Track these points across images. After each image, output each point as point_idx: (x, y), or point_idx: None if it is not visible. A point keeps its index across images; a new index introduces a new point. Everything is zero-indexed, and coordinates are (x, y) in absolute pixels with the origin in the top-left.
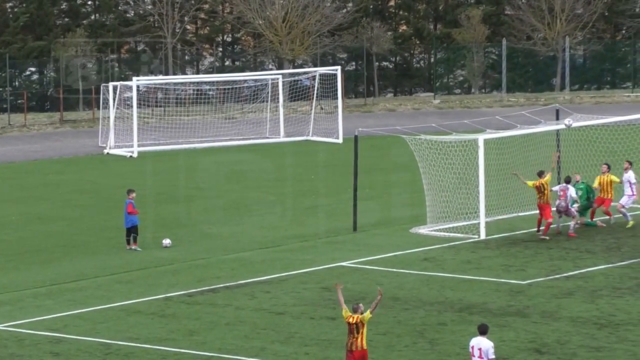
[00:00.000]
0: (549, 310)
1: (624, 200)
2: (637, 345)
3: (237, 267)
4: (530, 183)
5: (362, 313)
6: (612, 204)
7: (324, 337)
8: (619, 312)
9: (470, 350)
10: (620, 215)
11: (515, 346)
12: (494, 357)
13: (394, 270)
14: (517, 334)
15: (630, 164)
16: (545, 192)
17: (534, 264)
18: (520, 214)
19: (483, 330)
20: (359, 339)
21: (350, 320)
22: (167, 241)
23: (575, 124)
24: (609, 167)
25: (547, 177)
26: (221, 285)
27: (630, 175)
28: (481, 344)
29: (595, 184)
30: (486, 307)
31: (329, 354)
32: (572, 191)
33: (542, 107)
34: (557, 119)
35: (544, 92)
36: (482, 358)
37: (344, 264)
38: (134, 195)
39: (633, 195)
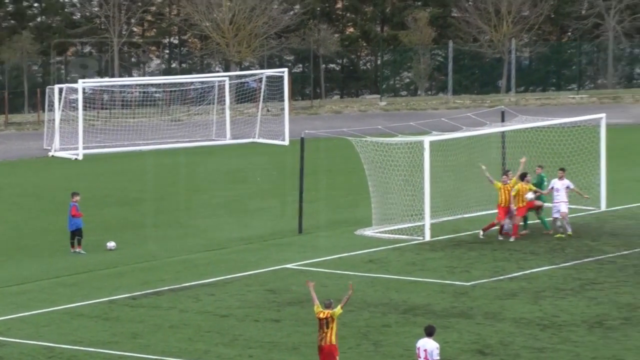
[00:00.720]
0: (493, 312)
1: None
2: (579, 346)
3: (181, 269)
4: (498, 184)
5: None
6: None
7: (267, 339)
8: (562, 313)
9: (417, 351)
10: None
11: (458, 347)
12: (438, 358)
13: (339, 272)
14: (461, 335)
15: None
16: (507, 194)
17: (478, 265)
18: (465, 215)
19: (430, 332)
20: (329, 334)
21: (321, 315)
22: (111, 244)
23: (520, 126)
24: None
25: (512, 181)
26: (165, 288)
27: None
28: (427, 345)
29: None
30: (430, 309)
31: (273, 356)
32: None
33: (487, 109)
34: (503, 120)
35: (489, 94)
36: (427, 359)
37: (289, 266)
38: (78, 198)
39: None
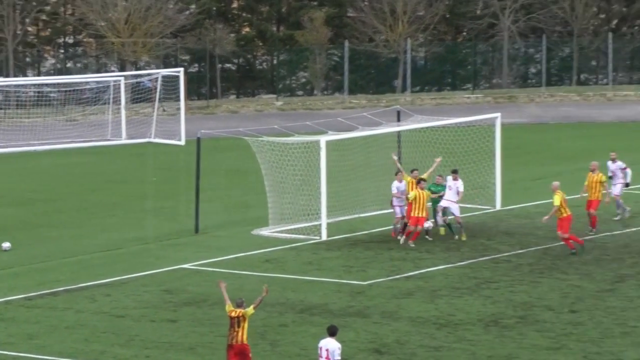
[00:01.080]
0: (389, 311)
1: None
2: (475, 344)
3: (77, 270)
4: (407, 177)
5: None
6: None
7: (164, 339)
8: (458, 311)
9: (319, 351)
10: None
11: (355, 346)
12: (339, 358)
13: (236, 272)
14: (358, 334)
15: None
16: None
17: (375, 264)
18: (361, 215)
19: (332, 332)
20: (240, 333)
21: (233, 314)
22: (6, 244)
23: (416, 126)
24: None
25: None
26: (61, 289)
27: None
28: (328, 345)
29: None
30: (327, 308)
31: (169, 356)
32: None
33: (383, 109)
34: (399, 120)
35: (385, 93)
36: (329, 359)
37: (185, 266)
38: None
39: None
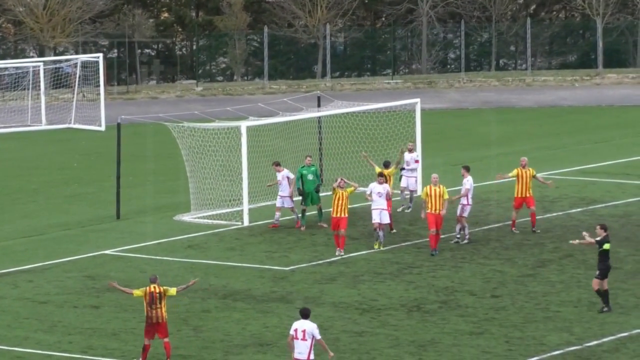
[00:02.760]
0: (312, 296)
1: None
2: (398, 329)
3: None
4: (378, 169)
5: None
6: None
7: (87, 325)
8: (380, 297)
9: (293, 333)
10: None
11: (279, 332)
12: (320, 337)
13: (158, 257)
14: (281, 320)
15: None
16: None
17: (297, 250)
18: None
19: (306, 314)
20: (161, 310)
21: (152, 289)
22: None
23: (336, 111)
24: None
25: (392, 169)
26: None
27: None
28: (305, 325)
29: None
30: (250, 294)
31: (92, 342)
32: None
33: (304, 94)
34: (319, 105)
35: (305, 79)
36: (306, 340)
37: (107, 252)
38: None
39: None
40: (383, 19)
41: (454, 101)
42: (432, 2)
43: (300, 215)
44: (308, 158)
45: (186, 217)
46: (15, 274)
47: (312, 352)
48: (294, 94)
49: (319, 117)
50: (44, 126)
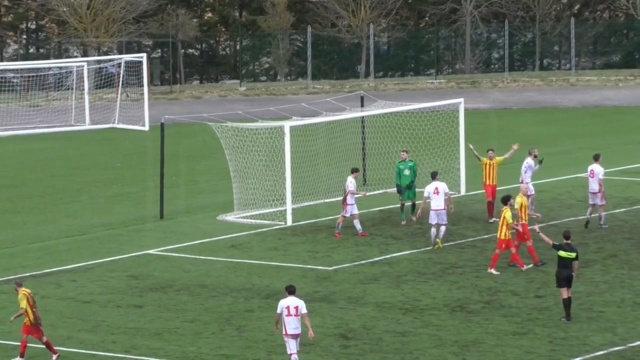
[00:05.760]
0: (355, 296)
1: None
2: (441, 329)
3: (42, 255)
4: (484, 159)
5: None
6: None
7: (130, 325)
8: (423, 297)
9: (285, 310)
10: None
11: (321, 332)
12: (305, 311)
13: (201, 257)
14: (324, 320)
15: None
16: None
17: (340, 250)
18: (326, 200)
19: (292, 290)
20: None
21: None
22: None
23: (379, 111)
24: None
25: (499, 159)
26: (27, 274)
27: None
28: (296, 302)
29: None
30: None
31: (136, 342)
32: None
33: (347, 94)
34: (362, 105)
35: (349, 79)
36: (298, 315)
37: (151, 251)
38: None
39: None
40: (426, 18)
41: (498, 101)
42: (475, 2)
43: (400, 210)
44: (404, 153)
45: (229, 217)
46: (58, 274)
47: None
48: (337, 93)
49: (362, 117)
50: (87, 126)
